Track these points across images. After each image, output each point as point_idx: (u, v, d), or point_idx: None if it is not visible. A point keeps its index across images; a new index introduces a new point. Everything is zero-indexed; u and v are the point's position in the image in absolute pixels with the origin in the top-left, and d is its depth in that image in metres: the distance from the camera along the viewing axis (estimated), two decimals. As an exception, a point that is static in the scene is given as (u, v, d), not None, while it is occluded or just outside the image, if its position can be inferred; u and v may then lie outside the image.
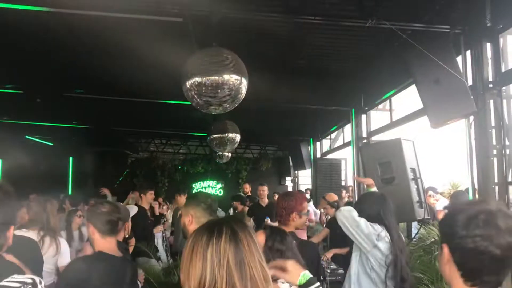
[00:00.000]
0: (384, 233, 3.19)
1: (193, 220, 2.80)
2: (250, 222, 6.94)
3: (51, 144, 12.82)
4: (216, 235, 1.32)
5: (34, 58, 6.25)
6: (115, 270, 2.62)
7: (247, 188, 10.17)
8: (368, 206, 3.34)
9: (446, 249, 1.40)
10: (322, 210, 6.77)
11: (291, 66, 6.50)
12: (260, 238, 2.39)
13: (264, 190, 7.58)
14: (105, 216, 2.69)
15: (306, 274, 1.79)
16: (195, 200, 2.92)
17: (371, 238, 3.13)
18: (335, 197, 6.35)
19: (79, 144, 12.70)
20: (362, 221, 3.16)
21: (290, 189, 14.76)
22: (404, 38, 4.48)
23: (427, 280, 3.75)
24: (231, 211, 9.45)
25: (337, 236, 5.09)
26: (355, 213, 3.21)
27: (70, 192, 12.38)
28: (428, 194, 6.73)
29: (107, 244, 2.67)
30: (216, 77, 3.93)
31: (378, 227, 3.20)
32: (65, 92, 7.60)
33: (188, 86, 4.01)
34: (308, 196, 9.86)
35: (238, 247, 1.30)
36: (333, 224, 5.09)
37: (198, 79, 3.92)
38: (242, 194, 10.87)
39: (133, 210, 5.21)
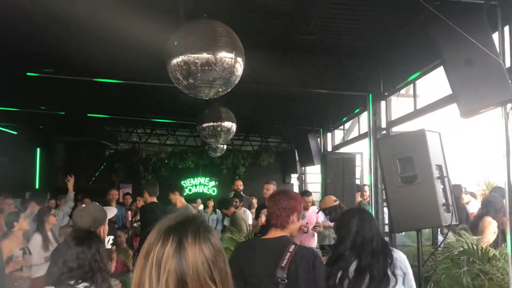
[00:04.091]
0: None
1: None
2: (257, 227, 6.83)
3: (15, 133, 12.80)
4: (162, 241, 1.38)
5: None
6: None
7: (240, 185, 9.91)
8: None
9: None
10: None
11: (297, 43, 6.44)
12: None
13: (269, 189, 7.37)
14: None
15: None
16: None
17: None
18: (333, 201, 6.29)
19: (48, 133, 12.67)
20: None
21: (296, 188, 14.76)
22: (430, 10, 4.43)
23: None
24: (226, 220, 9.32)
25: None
26: None
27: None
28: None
29: None
30: (207, 55, 3.91)
31: None
32: (30, 71, 7.55)
33: (173, 66, 3.99)
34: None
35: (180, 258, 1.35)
36: None
37: (184, 57, 3.90)
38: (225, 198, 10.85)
39: (112, 212, 5.22)
